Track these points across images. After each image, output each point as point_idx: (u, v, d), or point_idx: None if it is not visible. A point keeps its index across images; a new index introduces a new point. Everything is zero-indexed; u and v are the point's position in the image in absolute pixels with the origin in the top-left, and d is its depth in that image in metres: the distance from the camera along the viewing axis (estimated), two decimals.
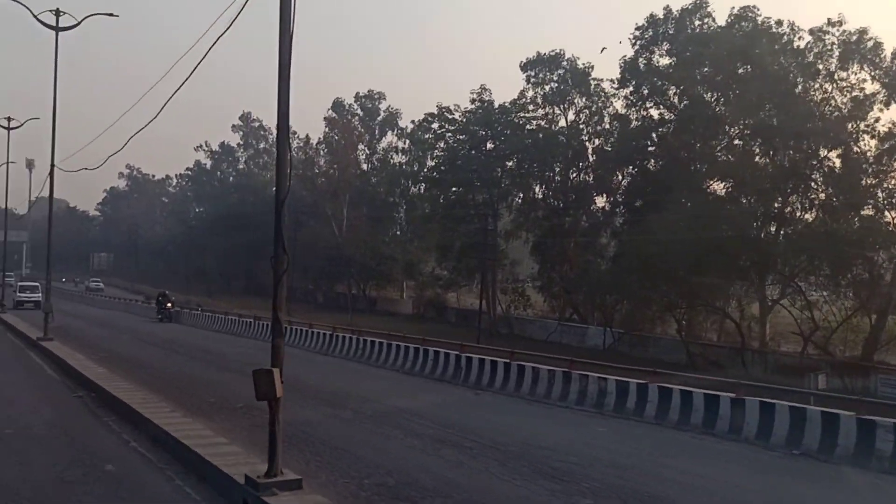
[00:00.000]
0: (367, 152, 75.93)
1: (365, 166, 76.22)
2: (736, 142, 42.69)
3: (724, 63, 40.61)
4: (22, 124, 45.01)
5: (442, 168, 59.00)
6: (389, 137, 76.17)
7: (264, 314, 31.29)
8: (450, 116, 57.11)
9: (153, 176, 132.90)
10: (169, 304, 38.63)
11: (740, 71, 40.76)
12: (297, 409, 13.14)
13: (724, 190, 41.71)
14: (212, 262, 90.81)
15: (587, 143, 52.84)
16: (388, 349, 23.55)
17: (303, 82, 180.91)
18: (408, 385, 19.78)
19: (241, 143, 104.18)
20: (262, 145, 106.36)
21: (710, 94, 43.02)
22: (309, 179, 71.98)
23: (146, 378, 17.91)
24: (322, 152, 75.15)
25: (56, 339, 26.01)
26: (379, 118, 76.46)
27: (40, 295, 75.23)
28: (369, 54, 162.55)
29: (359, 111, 76.48)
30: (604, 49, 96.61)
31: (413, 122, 70.60)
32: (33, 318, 34.38)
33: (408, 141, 72.42)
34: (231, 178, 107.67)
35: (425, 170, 65.04)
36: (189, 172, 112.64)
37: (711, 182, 42.41)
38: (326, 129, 74.13)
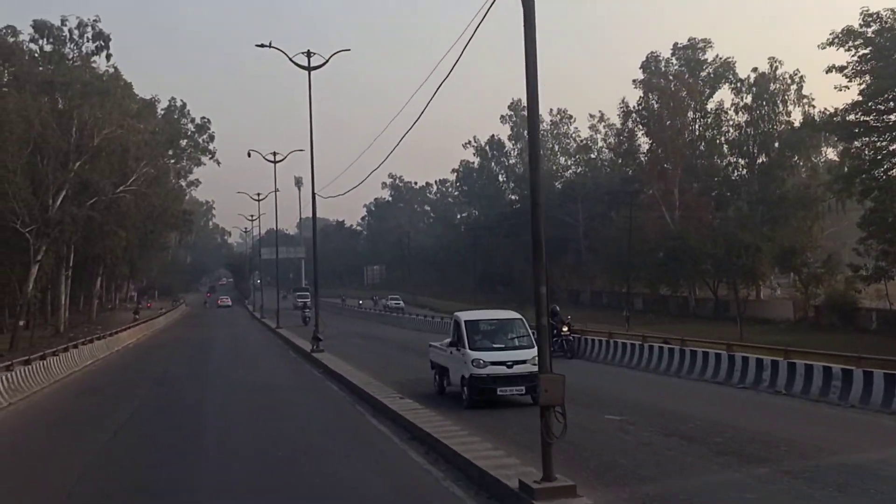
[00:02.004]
0: (695, 115, 59.80)
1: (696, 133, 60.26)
2: None
3: None
4: (285, 157, 48.92)
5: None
6: (722, 94, 59.80)
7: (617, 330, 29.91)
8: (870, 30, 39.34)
9: (415, 183, 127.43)
10: (565, 328, 24.92)
11: None
12: None
13: None
14: (493, 268, 79.92)
15: None
16: None
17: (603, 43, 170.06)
18: None
19: (512, 134, 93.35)
20: None
21: None
22: (630, 155, 57.91)
23: None
24: (639, 124, 60.52)
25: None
26: (704, 73, 60.37)
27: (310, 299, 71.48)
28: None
29: (676, 65, 60.96)
30: None
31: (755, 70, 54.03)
32: (364, 357, 25.82)
33: (751, 94, 55.88)
34: (501, 175, 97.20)
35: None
36: (455, 174, 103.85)
37: None
38: (642, 95, 59.59)
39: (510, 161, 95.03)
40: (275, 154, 48.54)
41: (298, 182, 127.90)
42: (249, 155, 42.32)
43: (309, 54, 28.90)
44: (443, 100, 23.66)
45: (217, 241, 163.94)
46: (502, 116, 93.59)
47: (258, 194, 63.86)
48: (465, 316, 15.98)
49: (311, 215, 32.25)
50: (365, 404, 15.88)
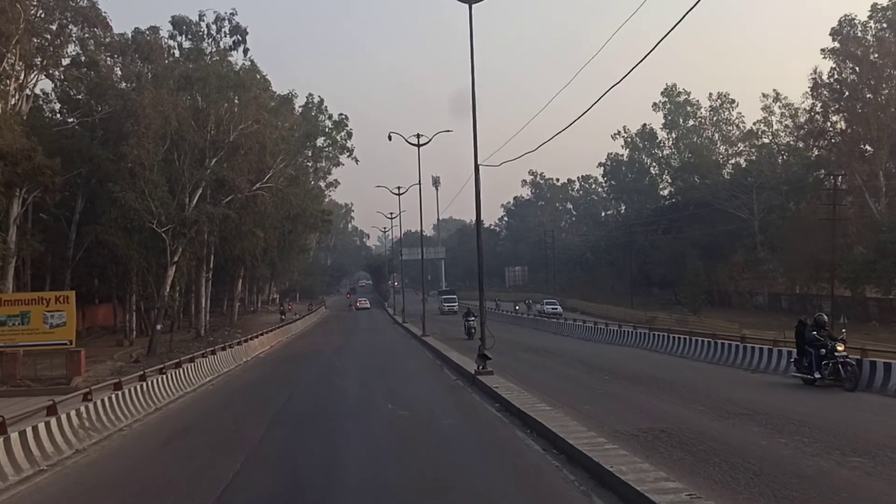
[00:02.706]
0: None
1: None
2: None
3: None
4: (430, 140, 43.16)
5: None
6: None
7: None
8: None
9: (556, 180, 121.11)
10: (840, 346, 16.93)
11: None
12: None
13: None
14: (651, 268, 72.44)
15: None
16: None
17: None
18: None
19: (666, 122, 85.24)
20: (690, 122, 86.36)
21: None
22: (819, 136, 49.32)
23: None
24: (832, 100, 51.55)
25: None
26: None
27: (457, 304, 66.53)
28: None
29: (877, 29, 51.36)
30: None
31: None
32: (549, 383, 19.16)
33: None
34: (654, 167, 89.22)
35: None
36: (601, 168, 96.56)
37: None
38: (834, 66, 50.68)
39: (664, 152, 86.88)
40: (418, 136, 44.32)
41: (436, 182, 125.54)
42: (390, 138, 38.00)
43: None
44: (587, 93, 19.08)
45: (356, 244, 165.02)
46: (654, 104, 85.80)
47: (398, 188, 61.64)
48: None
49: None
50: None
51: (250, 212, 45.93)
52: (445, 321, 54.09)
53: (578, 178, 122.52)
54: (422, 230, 60.44)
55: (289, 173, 50.97)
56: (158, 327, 38.55)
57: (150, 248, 39.58)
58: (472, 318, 34.64)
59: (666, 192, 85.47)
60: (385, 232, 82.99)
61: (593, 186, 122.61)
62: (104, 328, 52.70)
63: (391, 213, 73.89)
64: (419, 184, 47.60)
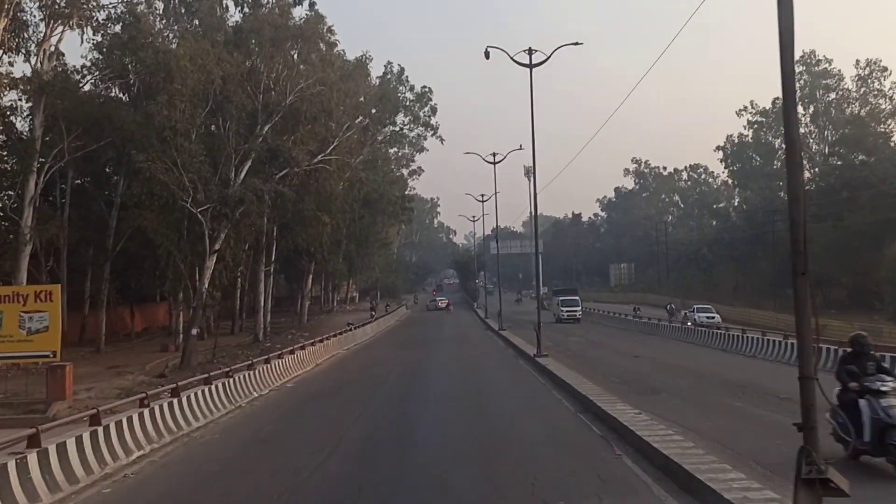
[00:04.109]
0: None
1: None
2: None
3: None
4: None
5: None
6: None
7: None
8: None
9: (663, 168, 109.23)
10: None
11: None
12: None
13: None
14: (781, 265, 60.41)
15: None
16: None
17: None
18: None
19: (802, 95, 72.50)
20: (830, 96, 73.50)
21: None
22: None
23: None
24: None
25: None
26: None
27: (580, 310, 52.06)
28: None
29: None
30: None
31: None
32: None
33: None
34: (780, 148, 76.51)
35: None
36: (720, 152, 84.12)
37: None
38: None
39: (799, 130, 74.04)
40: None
41: (528, 172, 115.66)
42: (487, 55, 29.93)
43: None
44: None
45: (442, 241, 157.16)
46: None
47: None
48: None
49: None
50: None
51: (313, 193, 37.85)
52: (563, 331, 41.96)
53: (686, 167, 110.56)
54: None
55: (360, 148, 42.49)
56: (194, 332, 30.81)
57: (186, 234, 32.04)
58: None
59: (804, 177, 73.01)
60: (475, 220, 74.02)
61: (702, 176, 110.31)
62: (164, 328, 46.33)
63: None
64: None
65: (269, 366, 21.28)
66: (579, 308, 52.37)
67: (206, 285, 31.20)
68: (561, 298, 54.31)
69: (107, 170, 40.39)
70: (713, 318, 41.80)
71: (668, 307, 47.66)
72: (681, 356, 28.29)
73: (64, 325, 42.09)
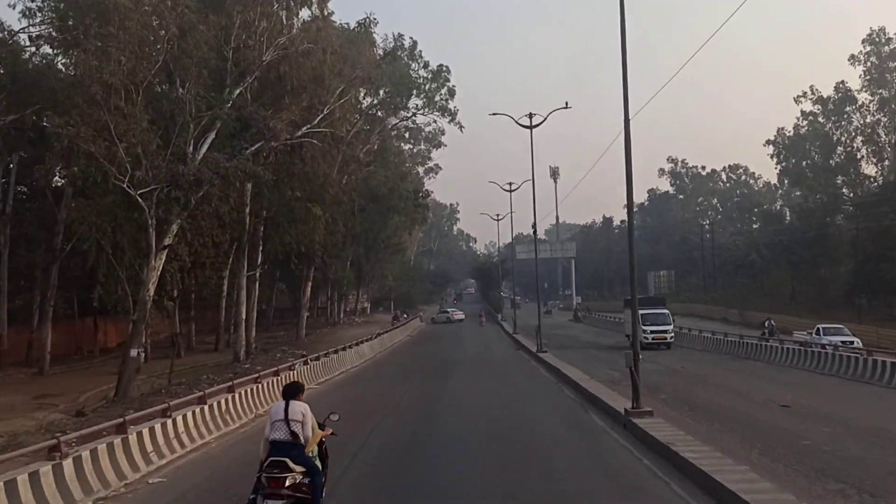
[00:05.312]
0: None
1: None
2: None
3: None
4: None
5: None
6: None
7: None
8: None
9: (701, 168, 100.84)
10: None
11: None
12: None
13: None
14: (869, 270, 51.40)
15: None
16: None
17: None
18: None
19: (870, 80, 63.81)
20: None
21: None
22: None
23: None
24: None
25: None
26: None
27: (671, 330, 37.55)
28: None
29: None
30: None
31: None
32: None
33: None
34: (851, 141, 67.58)
35: None
36: (771, 146, 75.32)
37: None
38: None
39: (866, 119, 65.42)
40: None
41: (554, 173, 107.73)
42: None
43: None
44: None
45: (462, 248, 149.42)
46: (852, 56, 64.72)
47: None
48: None
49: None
50: None
51: (299, 176, 30.24)
52: (650, 361, 25.77)
53: (725, 167, 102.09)
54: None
55: (354, 116, 34.86)
56: (133, 353, 23.19)
57: (122, 224, 24.56)
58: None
59: (872, 171, 64.35)
60: (498, 219, 65.89)
61: (742, 178, 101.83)
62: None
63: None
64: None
65: (227, 399, 13.66)
66: (670, 326, 38.22)
67: (151, 291, 23.66)
68: (642, 313, 33.75)
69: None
70: (851, 341, 29.64)
71: (766, 323, 35.33)
72: (843, 401, 18.34)
73: (3, 341, 35.44)
